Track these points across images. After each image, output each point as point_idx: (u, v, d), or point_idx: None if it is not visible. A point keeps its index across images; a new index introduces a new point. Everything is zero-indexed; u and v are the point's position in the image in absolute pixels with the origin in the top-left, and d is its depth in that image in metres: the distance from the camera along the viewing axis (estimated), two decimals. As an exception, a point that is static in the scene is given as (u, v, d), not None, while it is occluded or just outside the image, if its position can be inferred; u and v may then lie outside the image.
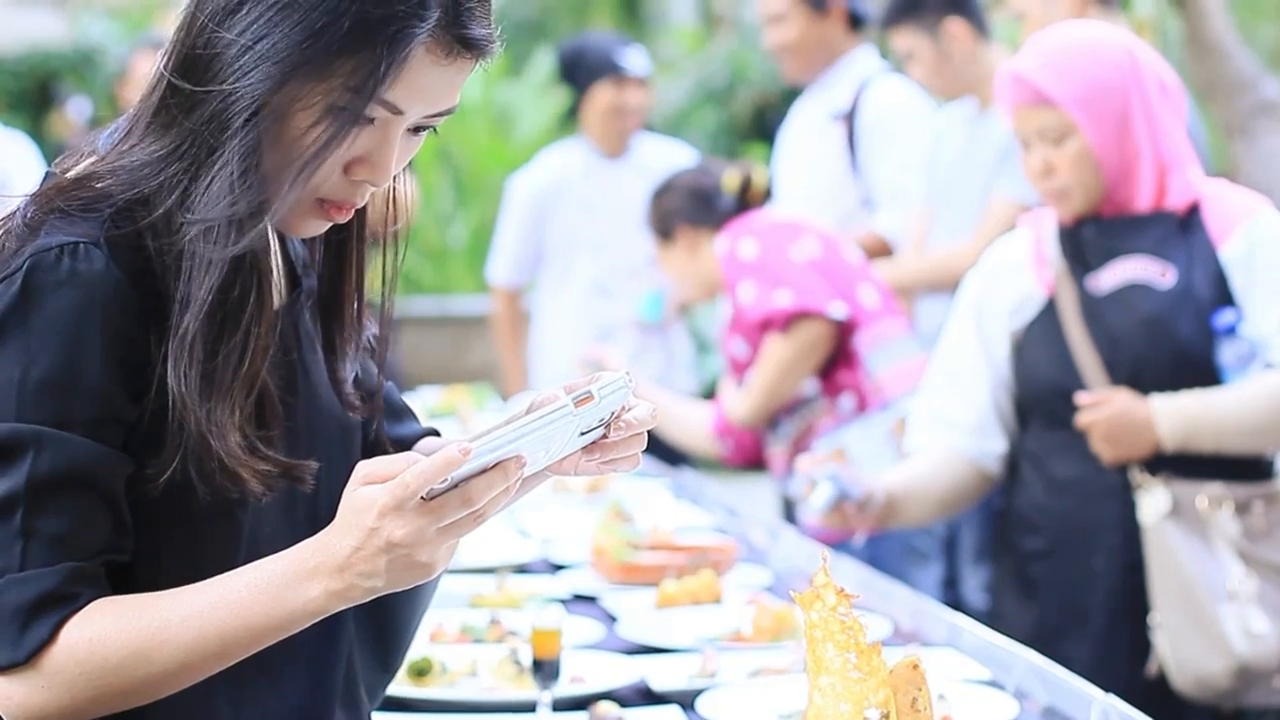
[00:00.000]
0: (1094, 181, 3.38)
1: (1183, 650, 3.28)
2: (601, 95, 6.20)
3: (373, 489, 1.69)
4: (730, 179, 4.69)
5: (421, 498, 1.67)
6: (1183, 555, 3.28)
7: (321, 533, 1.72)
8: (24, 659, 1.71)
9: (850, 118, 5.38)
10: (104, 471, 1.74)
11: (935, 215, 5.13)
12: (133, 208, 1.77)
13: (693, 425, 4.75)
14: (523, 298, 6.59)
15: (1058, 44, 3.42)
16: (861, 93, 5.38)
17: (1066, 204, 3.41)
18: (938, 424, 3.56)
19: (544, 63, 11.11)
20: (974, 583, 4.90)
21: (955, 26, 5.05)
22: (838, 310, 4.41)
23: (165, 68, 1.79)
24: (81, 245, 1.73)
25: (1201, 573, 3.27)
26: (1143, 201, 3.39)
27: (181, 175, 1.76)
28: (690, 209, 4.67)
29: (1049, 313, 3.44)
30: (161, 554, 1.80)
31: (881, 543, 4.27)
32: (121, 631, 1.72)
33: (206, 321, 1.74)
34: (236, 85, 1.74)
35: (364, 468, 1.72)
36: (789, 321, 4.39)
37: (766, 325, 4.42)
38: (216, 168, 1.74)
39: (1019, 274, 3.49)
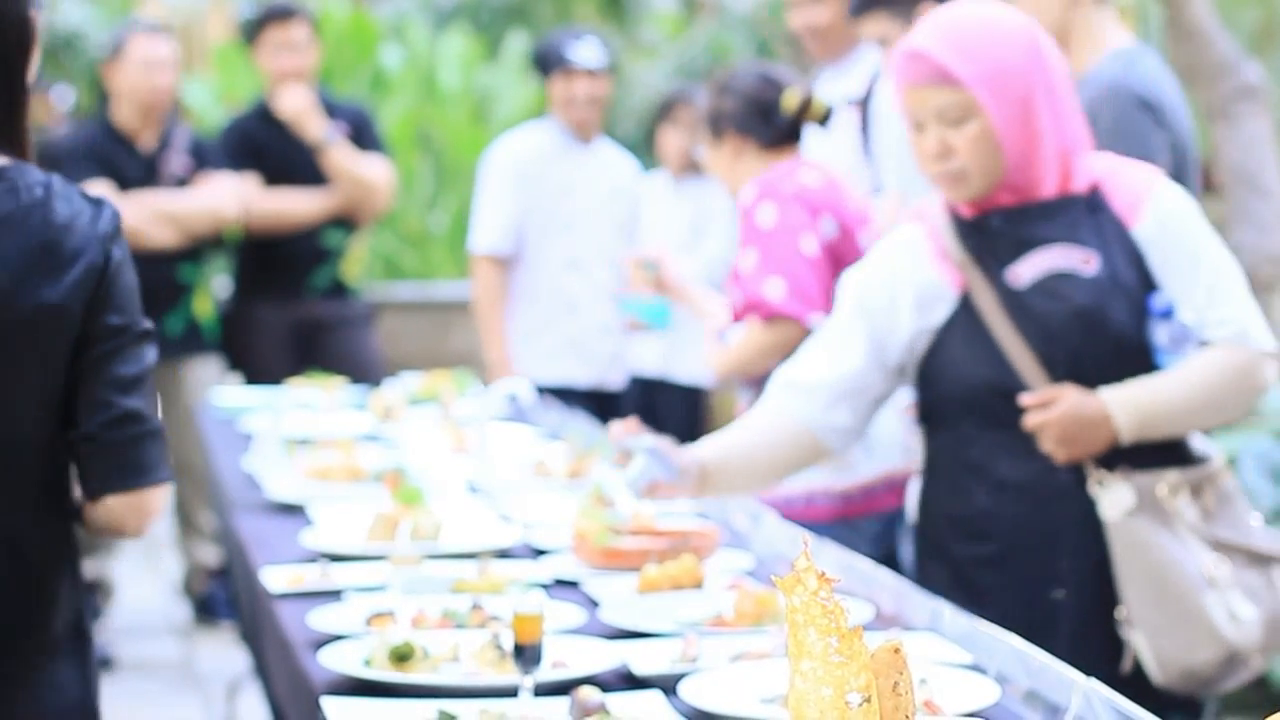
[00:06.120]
0: (994, 164, 3.28)
1: (1165, 645, 3.24)
2: (555, 86, 6.59)
3: None
4: (790, 97, 4.64)
5: None
6: (1155, 550, 3.24)
7: None
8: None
9: (864, 104, 5.36)
10: None
11: (907, 201, 5.12)
12: None
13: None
14: (508, 270, 6.60)
15: (961, 22, 3.31)
16: (876, 79, 5.36)
17: (963, 187, 3.30)
18: (790, 389, 3.44)
19: (522, 47, 11.08)
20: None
21: (931, 11, 5.02)
22: (817, 323, 4.40)
23: None
24: None
25: (1177, 564, 3.24)
26: (1048, 187, 3.31)
27: None
28: (744, 117, 4.61)
29: (966, 310, 3.33)
30: None
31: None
32: None
33: None
34: None
35: None
36: (771, 317, 4.39)
37: (752, 307, 4.41)
38: None
39: (918, 270, 3.37)
